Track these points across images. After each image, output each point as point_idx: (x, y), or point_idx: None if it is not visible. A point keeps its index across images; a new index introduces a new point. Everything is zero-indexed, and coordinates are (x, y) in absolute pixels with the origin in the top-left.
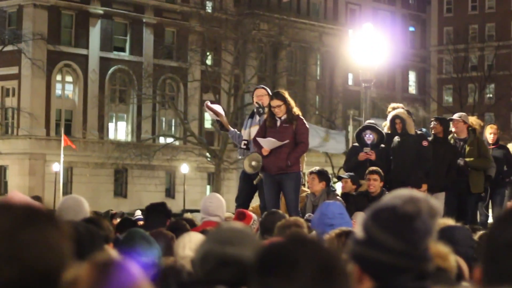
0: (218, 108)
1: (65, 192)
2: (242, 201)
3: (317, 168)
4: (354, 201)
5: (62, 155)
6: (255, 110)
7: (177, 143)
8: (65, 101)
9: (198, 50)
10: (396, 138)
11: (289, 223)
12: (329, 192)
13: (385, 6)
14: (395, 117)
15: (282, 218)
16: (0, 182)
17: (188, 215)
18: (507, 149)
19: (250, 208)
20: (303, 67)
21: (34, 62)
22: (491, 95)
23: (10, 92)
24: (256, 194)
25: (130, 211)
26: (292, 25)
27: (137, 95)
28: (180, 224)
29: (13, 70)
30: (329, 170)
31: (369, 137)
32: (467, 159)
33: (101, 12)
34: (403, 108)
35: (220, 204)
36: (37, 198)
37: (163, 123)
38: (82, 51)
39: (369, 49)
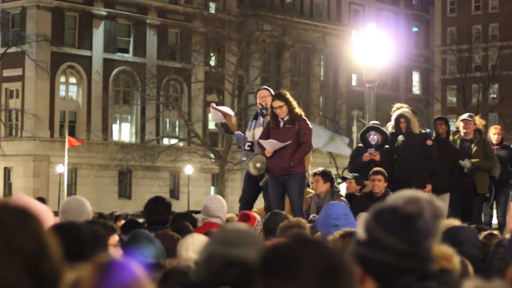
0: (226, 109)
1: (69, 194)
2: (246, 201)
3: (321, 169)
4: (358, 202)
5: (66, 157)
6: (258, 111)
7: (181, 144)
8: (69, 103)
9: (201, 51)
10: (401, 137)
11: (291, 224)
12: (333, 193)
13: (389, 7)
14: (400, 116)
15: (285, 219)
16: (5, 183)
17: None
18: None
19: (256, 209)
20: (307, 68)
21: (37, 64)
22: (494, 95)
23: (14, 94)
24: (261, 195)
25: (135, 212)
26: (295, 26)
27: (141, 96)
28: (183, 225)
29: (17, 71)
30: (333, 170)
31: (373, 138)
32: (473, 160)
33: (104, 13)
34: (407, 107)
35: (220, 206)
36: (40, 199)
37: (167, 124)
38: (86, 53)
39: (372, 49)
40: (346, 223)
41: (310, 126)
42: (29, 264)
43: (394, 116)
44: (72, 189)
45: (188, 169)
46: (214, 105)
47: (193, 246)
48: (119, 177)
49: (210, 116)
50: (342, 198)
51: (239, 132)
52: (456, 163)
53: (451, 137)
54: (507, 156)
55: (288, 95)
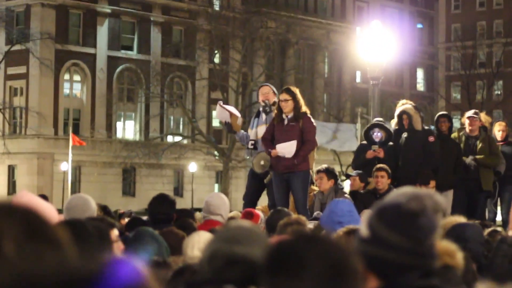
0: (233, 109)
1: (74, 191)
2: (250, 198)
3: (325, 166)
4: (362, 199)
5: (70, 154)
6: (261, 108)
7: (185, 141)
8: (73, 100)
9: (206, 48)
10: (404, 134)
11: (290, 221)
12: (337, 190)
13: (393, 3)
14: (402, 112)
15: (288, 216)
16: (9, 181)
17: (197, 214)
18: None
19: (260, 207)
20: (311, 65)
21: (42, 61)
22: (499, 92)
23: (18, 92)
24: (265, 192)
25: (139, 210)
26: (299, 23)
27: (145, 94)
28: (188, 223)
29: (21, 69)
30: (337, 168)
31: (377, 135)
32: (478, 157)
33: (108, 11)
34: (411, 104)
35: (221, 203)
36: (43, 197)
37: (171, 122)
38: (90, 50)
39: (377, 46)
40: (350, 220)
41: (314, 123)
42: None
43: (396, 112)
44: (76, 187)
45: (192, 167)
46: (221, 103)
47: (198, 244)
48: (123, 175)
49: (214, 113)
50: (346, 195)
51: (242, 131)
52: (459, 160)
53: (455, 134)
54: (511, 153)
55: (297, 92)
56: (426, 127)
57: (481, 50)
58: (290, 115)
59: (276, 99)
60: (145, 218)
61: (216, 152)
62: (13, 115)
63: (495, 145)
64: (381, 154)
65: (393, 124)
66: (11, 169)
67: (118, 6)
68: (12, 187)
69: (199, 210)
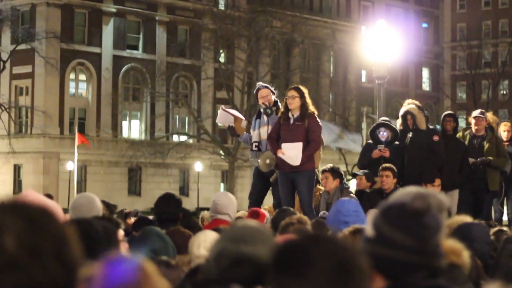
0: (236, 113)
1: (79, 191)
2: (255, 197)
3: (330, 165)
4: (368, 198)
5: (76, 154)
6: (262, 110)
7: (190, 141)
8: (78, 100)
9: (211, 47)
10: (409, 134)
11: (292, 220)
12: (343, 189)
13: (398, 3)
14: (406, 112)
15: (293, 215)
16: (14, 180)
17: (204, 213)
18: None
19: (266, 207)
20: (316, 64)
21: (47, 61)
22: (504, 92)
23: (24, 91)
24: (270, 191)
25: (144, 209)
26: (305, 22)
27: (150, 93)
28: (193, 222)
29: (27, 68)
30: (343, 167)
31: (383, 134)
32: (489, 158)
33: (114, 10)
34: (415, 104)
35: (229, 202)
36: (48, 196)
37: (177, 121)
38: (95, 50)
39: (382, 46)
40: (356, 220)
41: (320, 123)
42: (58, 252)
43: (400, 113)
44: (81, 186)
45: (198, 166)
46: (224, 107)
47: (204, 243)
48: (129, 174)
49: (218, 120)
50: (351, 194)
51: (246, 133)
52: (465, 160)
53: (460, 133)
54: None
55: (305, 91)
56: (431, 127)
57: (487, 50)
58: (296, 114)
59: (276, 98)
60: (151, 217)
61: (221, 152)
62: (19, 115)
63: (502, 145)
64: (387, 153)
65: (398, 124)
66: (16, 169)
67: (123, 5)
68: (17, 186)
69: (205, 209)
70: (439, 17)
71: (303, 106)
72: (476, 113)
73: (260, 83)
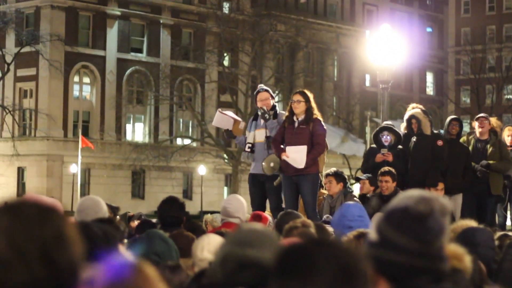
0: (232, 115)
1: (83, 194)
2: (257, 204)
3: (334, 169)
4: (372, 202)
5: (79, 157)
6: (259, 114)
7: (194, 144)
8: (82, 102)
9: (215, 51)
10: (413, 138)
11: (296, 224)
12: (346, 193)
13: (403, 7)
14: (411, 117)
15: (297, 218)
16: (18, 183)
17: (208, 216)
18: None
19: (268, 212)
20: (320, 68)
21: (51, 63)
22: (509, 96)
23: (28, 94)
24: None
25: (148, 212)
26: (309, 26)
27: (154, 96)
28: (196, 225)
29: (31, 71)
30: (347, 171)
31: (386, 138)
32: (491, 162)
33: (118, 13)
34: (420, 108)
35: (239, 206)
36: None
37: (181, 124)
38: (100, 52)
39: (386, 50)
40: (360, 225)
41: (325, 127)
42: (45, 253)
43: (405, 117)
44: (85, 189)
45: (201, 170)
46: (221, 110)
47: (208, 246)
48: (133, 177)
49: (214, 122)
50: (355, 198)
51: (243, 135)
52: (469, 164)
53: (464, 138)
54: None
55: (311, 96)
56: (435, 131)
57: (491, 54)
58: (301, 118)
59: (274, 103)
60: (154, 220)
61: (225, 155)
62: (23, 117)
63: (505, 149)
64: (390, 157)
65: (402, 128)
66: (20, 171)
67: (127, 8)
68: (21, 189)
69: (209, 212)
70: (443, 21)
71: (308, 110)
72: (479, 115)
73: (261, 86)
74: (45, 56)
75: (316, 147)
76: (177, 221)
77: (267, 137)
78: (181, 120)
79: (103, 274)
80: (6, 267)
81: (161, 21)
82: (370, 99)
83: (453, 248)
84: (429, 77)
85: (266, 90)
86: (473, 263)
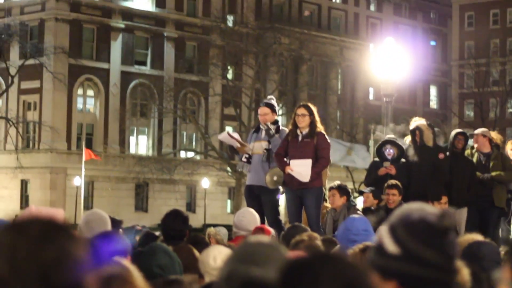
0: (239, 139)
1: (86, 206)
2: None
3: (337, 183)
4: (375, 216)
5: (83, 169)
6: (264, 131)
7: (198, 157)
8: (86, 115)
9: (219, 64)
10: (415, 150)
11: (303, 237)
12: (350, 206)
13: (406, 21)
14: (416, 128)
15: (304, 232)
16: (22, 196)
17: (211, 229)
18: None
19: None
20: (324, 81)
21: (55, 76)
22: None
23: (31, 106)
24: None
25: (151, 225)
26: (313, 40)
27: (158, 109)
28: (199, 238)
29: (35, 84)
30: (350, 184)
31: (389, 151)
32: (494, 173)
33: (122, 26)
34: (426, 120)
35: (252, 219)
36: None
37: (184, 137)
38: (103, 65)
39: (390, 63)
40: (365, 239)
41: (329, 140)
42: (45, 274)
43: (410, 127)
44: (89, 202)
45: (205, 183)
46: (230, 132)
47: (220, 255)
48: (136, 190)
49: (227, 129)
50: (358, 212)
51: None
52: (473, 177)
53: (468, 151)
54: None
55: (314, 109)
56: (440, 144)
57: (494, 68)
58: (305, 131)
59: (276, 117)
60: (157, 233)
61: (229, 168)
62: (27, 130)
63: (509, 161)
64: (392, 171)
65: (407, 141)
66: (24, 184)
67: (131, 21)
68: (24, 201)
69: (212, 225)
70: (447, 35)
71: (312, 123)
72: (475, 131)
73: (266, 100)
74: (49, 68)
75: (320, 161)
76: (180, 234)
77: (267, 150)
78: (184, 133)
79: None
80: (3, 286)
81: (165, 34)
82: (373, 113)
83: None
84: (433, 91)
85: (267, 105)
86: (476, 277)
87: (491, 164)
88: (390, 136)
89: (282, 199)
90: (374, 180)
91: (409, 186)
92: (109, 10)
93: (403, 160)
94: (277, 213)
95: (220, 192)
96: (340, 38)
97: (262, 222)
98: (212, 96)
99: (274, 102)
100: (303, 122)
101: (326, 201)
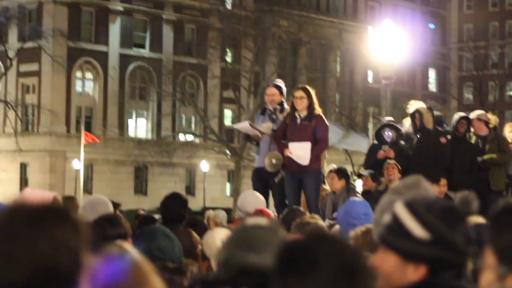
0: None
1: (86, 189)
2: None
3: (336, 166)
4: (374, 199)
5: (82, 152)
6: (268, 113)
7: (197, 140)
8: (85, 98)
9: (217, 47)
10: (415, 133)
11: (307, 220)
12: (349, 189)
13: (405, 3)
14: (416, 111)
15: (303, 215)
16: (21, 179)
17: (210, 212)
18: None
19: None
20: (323, 64)
21: (54, 59)
22: (511, 93)
23: (30, 89)
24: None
25: (151, 208)
26: (311, 22)
27: (157, 92)
28: (198, 221)
29: (33, 66)
30: (349, 168)
31: (388, 135)
32: (486, 156)
33: (121, 8)
34: (425, 103)
35: (254, 201)
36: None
37: (183, 120)
38: (102, 48)
39: (389, 46)
40: (365, 223)
41: (327, 123)
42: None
43: (410, 111)
44: (88, 185)
45: (204, 166)
46: (250, 122)
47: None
48: (135, 173)
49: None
50: (358, 194)
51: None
52: (475, 161)
53: (467, 135)
54: None
55: (312, 92)
56: (439, 128)
57: (494, 51)
58: (303, 114)
59: (283, 99)
60: (157, 216)
61: (228, 151)
62: (25, 113)
63: (505, 143)
64: (391, 154)
65: (407, 124)
66: (23, 167)
67: (130, 3)
68: (24, 184)
69: (211, 208)
70: (446, 17)
71: (310, 106)
72: (470, 115)
73: (274, 81)
74: (47, 51)
75: (320, 143)
76: (179, 217)
77: (274, 131)
78: (183, 116)
79: (101, 273)
80: None
81: (164, 17)
82: (372, 96)
83: None
84: (432, 74)
85: (276, 86)
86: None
87: (487, 147)
88: (389, 119)
89: None
90: (373, 163)
91: (408, 170)
92: None
93: (402, 142)
94: (285, 197)
95: (220, 175)
96: (339, 20)
97: (267, 204)
98: (211, 79)
99: (282, 85)
100: (301, 105)
101: (324, 183)
